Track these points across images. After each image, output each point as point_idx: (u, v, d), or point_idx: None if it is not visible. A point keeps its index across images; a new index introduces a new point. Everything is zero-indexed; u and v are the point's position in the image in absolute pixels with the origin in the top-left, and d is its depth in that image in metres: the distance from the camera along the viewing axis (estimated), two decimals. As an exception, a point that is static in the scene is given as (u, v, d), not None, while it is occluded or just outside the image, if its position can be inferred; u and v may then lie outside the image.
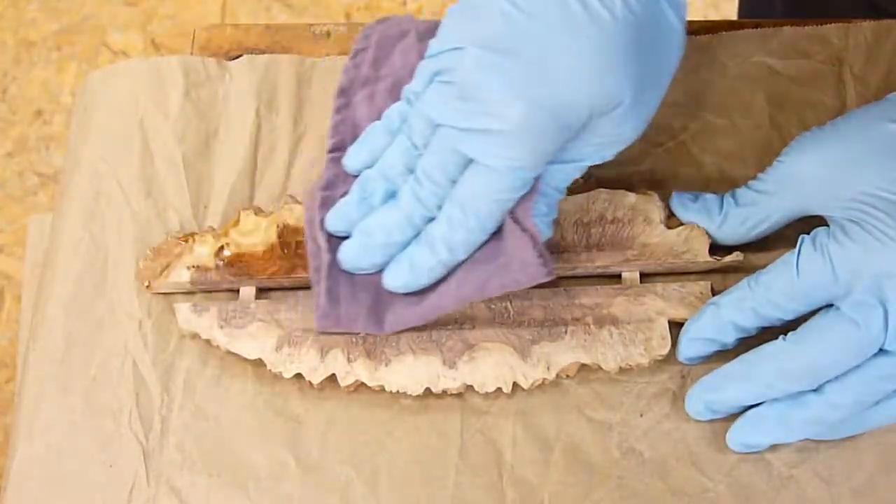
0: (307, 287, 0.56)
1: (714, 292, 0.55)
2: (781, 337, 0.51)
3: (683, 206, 0.55)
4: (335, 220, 0.53)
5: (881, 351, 0.49)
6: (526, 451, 0.53)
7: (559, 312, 0.54)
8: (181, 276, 0.56)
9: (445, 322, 0.54)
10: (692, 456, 0.53)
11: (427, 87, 0.50)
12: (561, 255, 0.55)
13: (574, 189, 0.56)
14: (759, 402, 0.51)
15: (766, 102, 0.60)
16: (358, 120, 0.55)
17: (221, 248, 0.56)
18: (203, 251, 0.56)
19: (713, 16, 1.44)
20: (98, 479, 0.53)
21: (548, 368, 0.53)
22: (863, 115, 0.52)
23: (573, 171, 0.51)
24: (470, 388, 0.54)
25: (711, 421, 0.53)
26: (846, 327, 0.49)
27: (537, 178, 0.50)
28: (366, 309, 0.52)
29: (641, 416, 0.53)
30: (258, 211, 0.57)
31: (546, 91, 0.47)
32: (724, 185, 0.58)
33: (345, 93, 0.57)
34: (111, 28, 1.41)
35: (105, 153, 0.60)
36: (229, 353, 0.54)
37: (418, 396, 0.53)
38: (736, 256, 0.55)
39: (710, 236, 0.55)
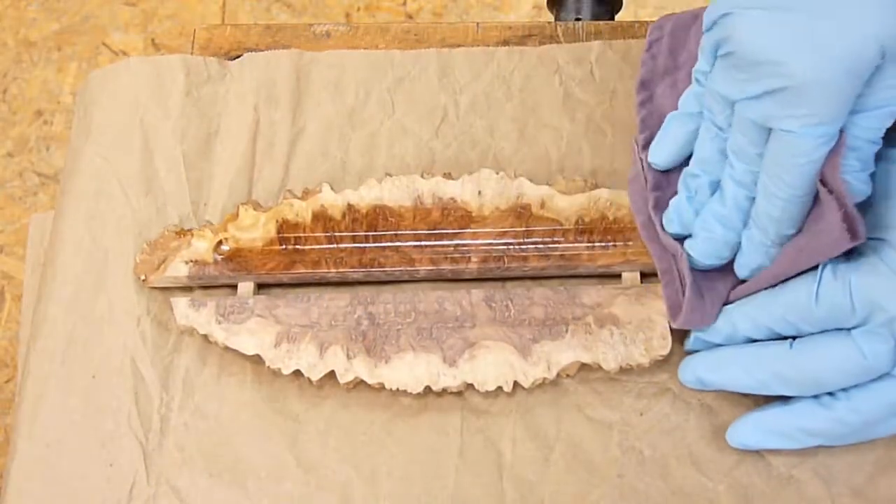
0: (306, 283, 0.56)
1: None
2: (788, 342, 0.51)
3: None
4: (671, 223, 0.53)
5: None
6: (526, 451, 0.53)
7: (560, 311, 0.54)
8: (179, 270, 0.56)
9: (446, 320, 0.54)
10: (692, 456, 0.53)
11: (713, 65, 0.50)
12: (562, 255, 0.55)
13: (574, 188, 0.57)
14: (750, 392, 0.52)
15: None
16: (665, 110, 0.55)
17: (220, 242, 0.56)
18: (201, 246, 0.56)
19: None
20: (98, 479, 0.53)
21: (548, 367, 0.53)
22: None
23: (883, 118, 0.49)
24: (470, 386, 0.54)
25: (711, 421, 0.53)
26: (852, 353, 0.49)
27: (842, 133, 0.48)
28: (725, 300, 0.52)
29: (641, 415, 0.53)
30: (257, 206, 0.57)
31: (827, 39, 0.46)
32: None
33: (646, 85, 0.57)
34: (111, 28, 1.41)
35: (105, 152, 0.60)
36: (228, 351, 0.54)
37: (418, 395, 0.53)
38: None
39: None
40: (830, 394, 0.50)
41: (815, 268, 0.50)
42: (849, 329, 0.49)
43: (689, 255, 0.52)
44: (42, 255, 0.62)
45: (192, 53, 0.64)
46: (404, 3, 1.40)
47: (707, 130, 0.52)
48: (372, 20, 1.37)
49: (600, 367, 0.54)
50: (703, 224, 0.52)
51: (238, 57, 0.63)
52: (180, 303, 0.55)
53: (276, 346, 0.54)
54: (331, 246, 0.56)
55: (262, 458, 0.53)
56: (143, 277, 0.56)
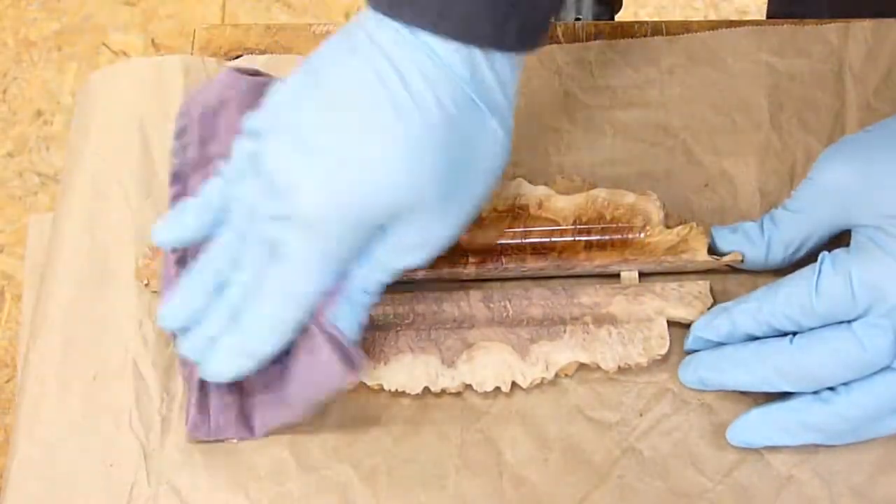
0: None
1: (713, 292, 0.55)
2: (789, 338, 0.51)
3: (724, 240, 0.55)
4: (166, 319, 0.51)
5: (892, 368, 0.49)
6: (526, 451, 0.53)
7: (558, 312, 0.54)
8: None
9: (444, 321, 0.54)
10: (692, 456, 0.53)
11: (241, 171, 0.49)
12: (560, 255, 0.55)
13: (572, 188, 0.57)
14: (752, 390, 0.52)
15: (766, 101, 0.60)
16: None
17: (220, 247, 0.56)
18: (202, 250, 0.56)
19: (713, 16, 1.44)
20: (98, 479, 0.53)
21: (546, 368, 0.53)
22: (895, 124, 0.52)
23: (381, 274, 0.50)
24: (469, 387, 0.54)
25: (711, 420, 0.53)
26: (852, 346, 0.49)
27: (340, 281, 0.49)
28: (234, 415, 0.52)
29: (641, 415, 0.53)
30: (257, 210, 0.57)
31: (343, 181, 0.46)
32: (723, 184, 0.58)
33: (178, 179, 0.56)
34: (111, 28, 1.41)
35: (105, 153, 0.60)
36: (229, 352, 0.54)
37: (417, 396, 0.53)
38: (734, 256, 0.55)
39: (755, 265, 0.55)
40: (831, 389, 0.50)
41: (814, 261, 0.50)
42: (849, 322, 0.49)
43: (186, 357, 0.51)
44: (42, 255, 0.62)
45: (192, 53, 0.64)
46: (404, 3, 1.40)
47: (222, 233, 0.50)
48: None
49: (599, 367, 0.54)
50: (204, 329, 0.50)
51: (238, 57, 0.63)
52: (180, 304, 0.55)
53: (275, 348, 0.54)
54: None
55: (262, 459, 0.53)
56: (145, 282, 0.56)
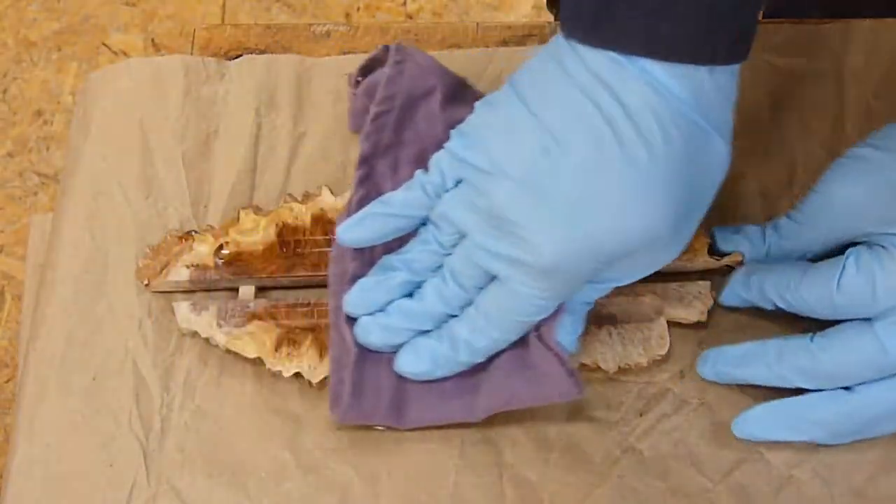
0: (306, 286, 0.56)
1: (713, 292, 0.55)
2: (809, 336, 0.51)
3: (726, 240, 0.55)
4: (354, 304, 0.52)
5: None
6: (526, 451, 0.53)
7: (559, 312, 0.54)
8: (180, 274, 0.56)
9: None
10: (692, 456, 0.53)
11: (451, 189, 0.49)
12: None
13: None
14: (769, 385, 0.52)
15: (767, 100, 0.60)
16: (382, 189, 0.54)
17: (221, 246, 0.56)
18: (202, 250, 0.56)
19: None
20: (98, 479, 0.53)
21: (547, 368, 0.53)
22: None
23: (603, 290, 0.50)
24: (469, 387, 0.54)
25: (711, 420, 0.53)
26: (873, 347, 0.49)
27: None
28: (387, 402, 0.52)
29: (641, 415, 0.53)
30: (257, 210, 0.57)
31: (581, 231, 0.45)
32: (723, 183, 0.58)
33: (367, 161, 0.55)
34: (111, 28, 1.41)
35: (105, 153, 0.60)
36: (229, 352, 0.54)
37: (418, 396, 0.53)
38: (735, 257, 0.55)
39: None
40: (846, 388, 0.50)
41: (841, 255, 0.51)
42: (869, 319, 0.49)
43: (357, 332, 0.52)
44: (42, 255, 0.62)
45: (192, 53, 0.64)
46: (404, 3, 1.40)
47: (425, 240, 0.51)
48: (372, 20, 1.37)
49: (599, 368, 0.54)
50: (387, 316, 0.51)
51: (238, 57, 0.63)
52: (182, 307, 0.55)
53: (276, 350, 0.54)
54: (330, 249, 0.56)
55: (262, 459, 0.53)
56: (145, 282, 0.56)
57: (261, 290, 0.56)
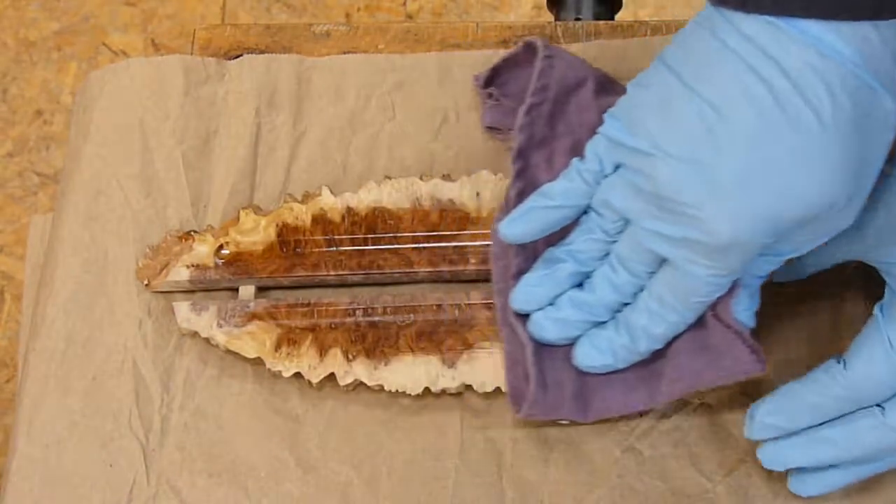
0: (306, 286, 0.56)
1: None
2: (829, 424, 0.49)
3: None
4: (522, 300, 0.51)
5: None
6: (525, 451, 0.53)
7: (559, 312, 0.54)
8: (180, 274, 0.56)
9: (444, 321, 0.54)
10: (692, 456, 0.53)
11: (610, 174, 0.48)
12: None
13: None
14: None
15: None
16: (539, 182, 0.53)
17: (221, 246, 0.56)
18: (202, 250, 0.56)
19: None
20: (98, 479, 0.53)
21: (547, 368, 0.53)
22: None
23: (777, 262, 0.48)
24: (469, 388, 0.54)
25: (711, 420, 0.53)
26: (887, 436, 0.48)
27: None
28: (570, 394, 0.51)
29: (641, 415, 0.53)
30: (257, 210, 0.57)
31: (752, 206, 0.44)
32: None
33: (523, 155, 0.54)
34: (111, 28, 1.41)
35: (105, 153, 0.60)
36: (229, 352, 0.54)
37: (417, 396, 0.53)
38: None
39: None
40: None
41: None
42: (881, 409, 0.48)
43: (532, 329, 0.51)
44: (42, 255, 0.62)
45: (192, 53, 0.64)
46: (404, 3, 1.40)
47: (589, 229, 0.50)
48: (372, 20, 1.37)
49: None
50: (559, 309, 0.51)
51: (238, 57, 0.63)
52: (182, 307, 0.55)
53: (276, 349, 0.54)
54: (330, 249, 0.56)
55: (262, 459, 0.53)
56: (145, 282, 0.56)
57: (261, 290, 0.56)
